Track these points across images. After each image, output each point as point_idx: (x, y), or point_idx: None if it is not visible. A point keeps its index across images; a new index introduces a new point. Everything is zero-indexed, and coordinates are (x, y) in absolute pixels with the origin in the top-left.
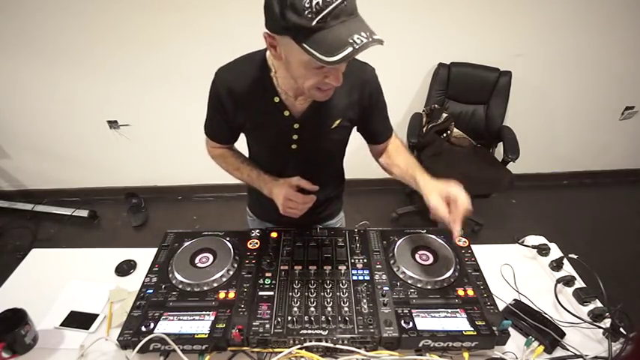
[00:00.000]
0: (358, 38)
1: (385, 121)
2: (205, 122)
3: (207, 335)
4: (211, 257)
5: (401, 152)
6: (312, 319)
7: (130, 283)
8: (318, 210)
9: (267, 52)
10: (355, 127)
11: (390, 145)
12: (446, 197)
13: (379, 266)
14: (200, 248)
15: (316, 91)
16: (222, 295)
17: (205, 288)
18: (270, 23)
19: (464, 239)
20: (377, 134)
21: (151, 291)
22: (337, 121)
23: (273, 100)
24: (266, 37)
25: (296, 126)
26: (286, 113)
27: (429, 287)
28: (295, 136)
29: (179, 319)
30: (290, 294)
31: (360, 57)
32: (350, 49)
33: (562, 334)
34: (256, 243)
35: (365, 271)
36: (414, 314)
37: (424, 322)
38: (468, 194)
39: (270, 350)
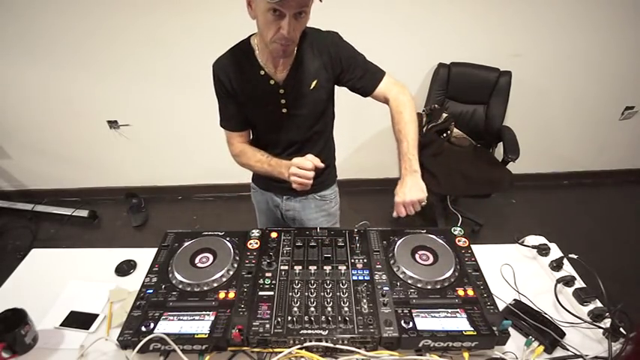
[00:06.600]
0: None
1: (366, 73)
2: (220, 118)
3: (207, 335)
4: (211, 257)
5: (397, 125)
6: (312, 319)
7: (130, 283)
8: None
9: (252, 37)
10: (346, 87)
11: (392, 108)
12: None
13: (379, 266)
14: (200, 248)
15: (277, 45)
16: (222, 295)
17: (205, 288)
18: None
19: (464, 239)
20: (365, 87)
21: (151, 291)
22: (314, 82)
23: (259, 74)
24: None
25: (281, 91)
26: (272, 82)
27: (429, 287)
28: (283, 100)
29: (179, 319)
30: (290, 294)
31: (365, 54)
32: None
33: (562, 334)
34: (256, 243)
35: (365, 271)
36: (414, 314)
37: (424, 322)
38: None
39: (270, 350)
